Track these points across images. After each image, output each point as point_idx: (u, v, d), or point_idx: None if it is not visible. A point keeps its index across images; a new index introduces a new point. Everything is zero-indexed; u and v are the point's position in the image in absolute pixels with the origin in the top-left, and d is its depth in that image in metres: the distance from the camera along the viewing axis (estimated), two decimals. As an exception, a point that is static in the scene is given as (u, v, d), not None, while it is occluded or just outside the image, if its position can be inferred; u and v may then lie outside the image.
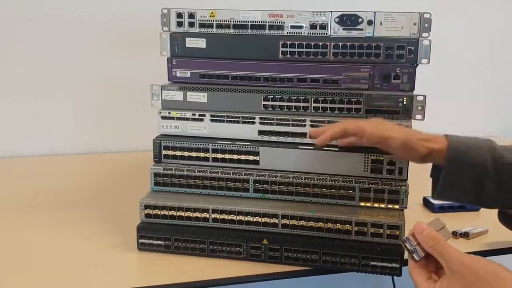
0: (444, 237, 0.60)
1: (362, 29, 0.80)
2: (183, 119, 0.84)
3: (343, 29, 0.80)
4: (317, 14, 0.80)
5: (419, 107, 0.78)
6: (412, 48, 0.78)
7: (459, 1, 1.53)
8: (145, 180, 0.85)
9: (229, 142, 0.82)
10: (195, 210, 0.81)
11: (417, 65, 0.79)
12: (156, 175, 0.84)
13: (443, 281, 0.57)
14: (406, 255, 0.62)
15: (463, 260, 0.56)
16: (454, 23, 1.51)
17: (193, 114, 0.84)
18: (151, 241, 0.81)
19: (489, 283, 0.54)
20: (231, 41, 0.83)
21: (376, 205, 0.79)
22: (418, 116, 0.79)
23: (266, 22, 0.81)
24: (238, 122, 0.83)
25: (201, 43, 0.83)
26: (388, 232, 0.76)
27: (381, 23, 0.79)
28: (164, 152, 0.84)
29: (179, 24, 0.83)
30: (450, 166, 0.72)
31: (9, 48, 1.29)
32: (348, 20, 0.80)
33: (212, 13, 0.82)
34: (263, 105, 0.83)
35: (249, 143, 0.82)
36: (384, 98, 0.79)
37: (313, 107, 0.81)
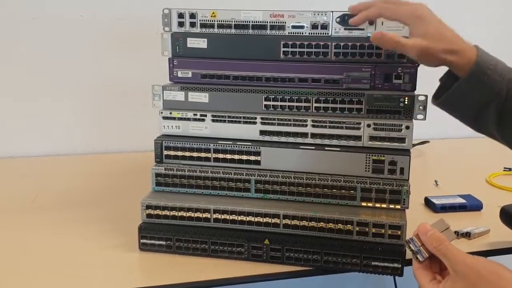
0: (448, 238, 0.60)
1: (363, 29, 0.80)
2: (185, 119, 0.84)
3: (345, 29, 0.80)
4: (318, 14, 0.80)
5: (420, 107, 0.78)
6: (414, 48, 0.78)
7: (461, 1, 1.53)
8: (146, 180, 0.85)
9: (231, 142, 0.82)
10: (197, 210, 0.81)
11: (418, 65, 0.79)
12: (157, 175, 0.84)
13: (446, 281, 0.57)
14: (410, 255, 0.62)
15: (466, 260, 0.57)
16: (454, 22, 1.51)
17: (195, 114, 0.84)
18: (152, 241, 0.81)
19: (492, 283, 0.55)
20: (233, 41, 0.83)
21: (377, 205, 0.79)
22: (420, 116, 0.79)
23: (267, 22, 0.81)
24: (239, 122, 0.83)
25: (202, 43, 0.83)
26: (389, 232, 0.76)
27: (382, 23, 0.79)
28: (165, 152, 0.84)
29: (181, 24, 0.83)
30: (468, 82, 0.70)
31: (10, 48, 1.29)
32: (350, 19, 0.79)
33: (213, 13, 0.82)
34: (265, 105, 0.83)
35: (250, 143, 0.82)
36: (385, 98, 0.79)
37: (315, 107, 0.81)
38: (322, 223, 0.78)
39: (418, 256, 0.61)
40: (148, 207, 0.82)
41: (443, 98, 0.73)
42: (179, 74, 0.85)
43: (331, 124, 0.80)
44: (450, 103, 0.73)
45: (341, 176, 0.80)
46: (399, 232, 0.76)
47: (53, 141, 1.36)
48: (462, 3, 1.53)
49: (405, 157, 0.78)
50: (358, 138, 0.80)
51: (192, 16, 0.83)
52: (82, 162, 1.33)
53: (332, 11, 0.80)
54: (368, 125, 0.79)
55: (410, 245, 0.62)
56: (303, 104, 0.81)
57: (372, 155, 0.79)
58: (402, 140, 0.78)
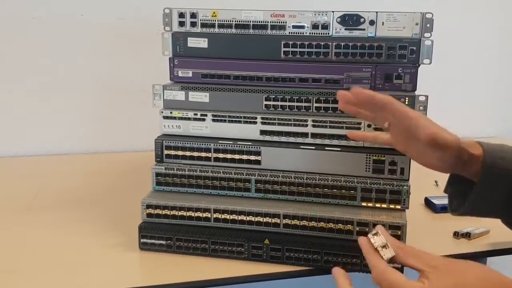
0: (386, 255, 0.57)
1: (364, 29, 0.80)
2: (185, 119, 0.84)
3: (345, 29, 0.80)
4: (319, 14, 0.80)
5: (421, 107, 0.78)
6: (414, 48, 0.78)
7: (461, 1, 1.53)
8: (146, 179, 0.85)
9: (231, 142, 0.82)
10: (197, 209, 0.81)
11: (419, 65, 0.79)
12: (158, 174, 0.84)
13: (426, 280, 0.54)
14: (371, 256, 0.58)
15: (438, 256, 0.56)
16: (455, 23, 1.51)
17: (195, 114, 0.84)
18: (152, 241, 0.81)
19: (470, 268, 0.54)
20: (233, 41, 0.83)
21: (377, 205, 0.79)
22: (420, 116, 0.78)
23: (268, 22, 0.81)
24: (240, 122, 0.83)
25: (203, 43, 0.83)
26: (390, 232, 0.76)
27: (383, 23, 0.79)
28: (166, 151, 0.84)
29: (181, 24, 0.83)
30: (488, 174, 0.64)
31: (10, 48, 1.29)
32: (350, 20, 0.80)
33: (214, 13, 0.82)
34: (265, 105, 0.83)
35: (250, 143, 0.82)
36: (386, 98, 0.79)
37: (315, 107, 0.81)
38: (322, 223, 0.78)
39: (386, 251, 0.57)
40: (149, 206, 0.82)
41: (471, 204, 0.67)
42: (180, 74, 0.85)
43: (332, 124, 0.80)
44: (480, 206, 0.68)
45: (341, 176, 0.80)
46: (399, 232, 0.76)
47: (53, 140, 1.36)
48: (461, 8, 1.53)
49: (406, 157, 0.78)
50: (358, 138, 0.80)
51: (193, 15, 0.83)
52: (82, 161, 1.33)
53: (332, 11, 0.80)
54: (369, 125, 0.79)
55: (377, 238, 0.58)
56: (303, 104, 0.81)
57: (372, 155, 0.79)
58: (402, 140, 0.78)
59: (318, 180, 0.80)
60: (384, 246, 0.58)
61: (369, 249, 0.59)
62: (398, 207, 0.79)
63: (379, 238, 0.58)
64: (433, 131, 0.64)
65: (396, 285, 0.54)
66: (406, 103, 0.78)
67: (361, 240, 0.60)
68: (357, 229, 0.77)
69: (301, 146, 0.81)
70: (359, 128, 0.79)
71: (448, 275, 0.53)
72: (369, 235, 0.60)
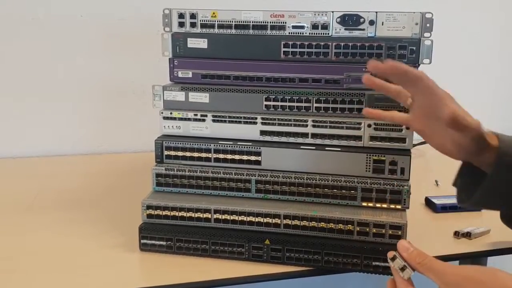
0: (405, 276, 0.59)
1: (363, 29, 0.80)
2: (185, 119, 0.84)
3: (345, 29, 0.80)
4: (318, 14, 0.80)
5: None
6: (414, 48, 0.78)
7: (461, 1, 1.53)
8: (147, 180, 0.85)
9: (231, 143, 0.82)
10: (197, 210, 0.81)
11: (418, 65, 0.79)
12: (158, 175, 0.84)
13: None
14: (395, 274, 0.60)
15: (455, 270, 0.55)
16: (455, 23, 1.51)
17: (195, 115, 0.84)
18: (153, 242, 0.81)
19: (487, 285, 0.53)
20: (233, 41, 0.83)
21: (378, 205, 0.79)
22: (420, 116, 0.78)
23: (267, 22, 0.81)
24: (240, 122, 0.83)
25: (202, 43, 0.83)
26: (390, 232, 0.76)
27: (382, 23, 0.79)
28: (166, 152, 0.84)
29: (181, 24, 0.83)
30: (502, 164, 0.64)
31: (10, 49, 1.29)
32: (350, 20, 0.80)
33: (213, 13, 0.82)
34: (265, 105, 0.83)
35: (251, 144, 0.82)
36: (386, 98, 0.79)
37: (315, 107, 0.81)
38: (323, 223, 0.78)
39: (404, 272, 0.59)
40: (149, 207, 0.82)
41: (480, 194, 0.67)
42: (180, 74, 0.85)
43: (332, 124, 0.80)
44: (489, 197, 0.68)
45: (341, 176, 0.80)
46: (399, 232, 0.76)
47: (53, 141, 1.36)
48: (461, 8, 1.53)
49: (406, 157, 0.78)
50: (358, 138, 0.80)
51: (193, 16, 0.83)
52: (82, 162, 1.33)
53: (332, 11, 0.80)
54: (369, 125, 0.79)
55: (395, 262, 0.60)
56: (303, 104, 0.81)
57: (372, 155, 0.79)
58: (402, 140, 0.79)
59: (319, 180, 0.80)
60: (402, 268, 0.59)
61: (393, 268, 0.61)
62: (399, 207, 0.79)
63: (396, 261, 0.60)
64: (457, 110, 0.65)
65: None
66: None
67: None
68: (358, 229, 0.77)
69: (301, 146, 0.81)
70: (359, 128, 0.79)
71: None
72: (389, 260, 0.61)
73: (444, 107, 0.66)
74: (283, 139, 0.82)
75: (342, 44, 0.80)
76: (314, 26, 0.80)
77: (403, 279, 0.59)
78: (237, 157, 0.82)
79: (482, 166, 0.69)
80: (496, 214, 0.82)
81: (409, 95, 0.71)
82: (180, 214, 0.81)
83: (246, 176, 0.82)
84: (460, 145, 0.67)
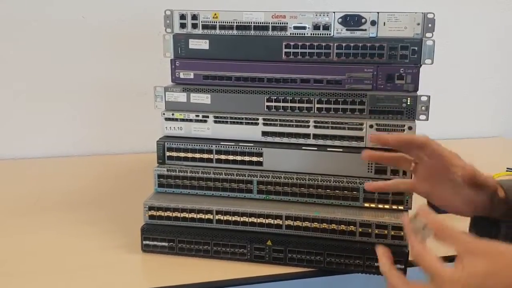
0: (424, 236, 0.58)
1: (365, 30, 0.79)
2: (187, 120, 0.84)
3: (346, 29, 0.80)
4: (320, 15, 0.80)
5: (423, 108, 0.78)
6: (416, 48, 0.78)
7: (462, 1, 1.53)
8: (148, 181, 0.85)
9: (233, 143, 0.82)
10: (199, 211, 0.81)
11: (420, 65, 0.79)
12: (159, 176, 0.84)
13: (460, 264, 0.53)
14: (410, 237, 0.58)
15: (477, 239, 0.53)
16: (457, 23, 1.51)
17: (197, 116, 0.84)
18: (155, 243, 0.81)
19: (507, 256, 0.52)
20: (234, 42, 0.83)
21: (380, 206, 0.79)
22: (422, 117, 0.78)
23: (269, 23, 0.81)
24: (241, 123, 0.83)
25: (204, 44, 0.83)
26: (392, 233, 0.76)
27: (384, 23, 0.79)
28: (167, 153, 0.84)
29: (182, 25, 0.83)
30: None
31: (12, 50, 1.30)
32: (352, 20, 0.80)
33: (215, 14, 0.82)
34: (267, 106, 0.83)
35: (252, 144, 0.82)
36: (387, 98, 0.79)
37: (317, 108, 0.81)
38: (325, 224, 0.77)
39: (424, 232, 0.57)
40: (151, 208, 0.82)
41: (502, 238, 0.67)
42: (181, 75, 0.85)
43: (334, 125, 0.80)
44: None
45: (343, 177, 0.79)
46: (402, 233, 0.75)
47: (55, 142, 1.36)
48: (462, 8, 1.53)
49: (408, 157, 0.78)
50: (360, 138, 0.79)
51: (194, 17, 0.83)
52: (84, 163, 1.33)
53: (334, 12, 0.80)
54: (371, 126, 0.79)
55: (416, 220, 0.58)
56: (305, 105, 0.81)
57: (374, 156, 0.79)
58: (404, 140, 0.78)
59: (320, 181, 0.80)
60: (423, 228, 0.58)
61: (409, 229, 0.59)
62: (401, 207, 0.79)
63: (417, 220, 0.58)
64: (473, 169, 0.66)
65: (433, 269, 0.54)
66: (408, 103, 0.78)
67: (403, 218, 0.61)
68: (360, 230, 0.77)
69: (303, 147, 0.81)
70: (361, 129, 0.79)
71: (481, 261, 0.52)
72: (410, 217, 0.60)
73: (456, 168, 0.67)
74: (285, 140, 0.82)
75: (343, 44, 0.80)
76: (316, 27, 0.80)
77: (418, 242, 0.57)
78: (238, 158, 0.82)
79: (492, 214, 0.69)
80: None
81: (411, 160, 0.72)
82: (182, 215, 0.81)
83: (248, 177, 0.81)
84: (473, 203, 0.68)
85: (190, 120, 0.84)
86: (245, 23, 0.82)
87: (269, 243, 0.79)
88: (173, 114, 0.84)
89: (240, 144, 0.82)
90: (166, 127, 0.85)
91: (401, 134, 0.70)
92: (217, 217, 0.80)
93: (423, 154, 0.70)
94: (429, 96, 0.78)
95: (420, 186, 0.73)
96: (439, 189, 0.70)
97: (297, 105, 0.82)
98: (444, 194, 0.70)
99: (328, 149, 0.80)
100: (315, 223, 0.78)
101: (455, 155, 0.69)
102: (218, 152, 0.82)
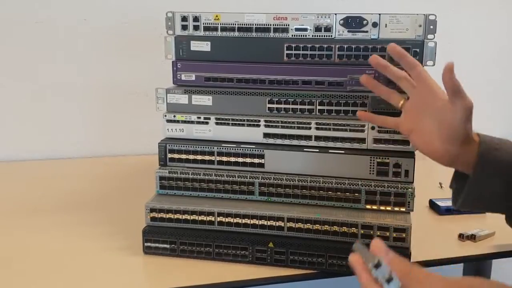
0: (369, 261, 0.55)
1: (367, 31, 0.79)
2: (188, 122, 0.84)
3: (348, 31, 0.80)
4: (321, 17, 0.80)
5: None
6: (417, 50, 0.78)
7: (463, 2, 1.52)
8: (150, 183, 0.85)
9: (234, 145, 0.82)
10: (201, 213, 0.81)
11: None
12: (161, 178, 0.84)
13: None
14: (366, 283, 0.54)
15: (441, 279, 0.55)
16: (459, 24, 1.51)
17: (198, 117, 0.84)
18: (156, 245, 0.81)
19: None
20: (236, 44, 0.83)
21: (382, 207, 0.79)
22: (424, 118, 0.78)
23: (270, 24, 0.81)
24: (243, 125, 0.83)
25: (206, 46, 0.83)
26: (394, 235, 0.76)
27: (386, 25, 0.79)
28: (169, 155, 0.84)
29: (184, 27, 0.83)
30: (481, 165, 0.66)
31: (14, 51, 1.30)
32: (353, 22, 0.79)
33: (216, 16, 0.82)
34: (268, 107, 0.83)
35: (254, 146, 0.82)
36: (389, 100, 0.79)
37: (318, 109, 0.81)
38: (327, 226, 0.77)
39: (391, 284, 0.52)
40: (152, 210, 0.82)
41: (465, 196, 0.69)
42: (183, 77, 0.85)
43: (335, 127, 0.80)
44: (474, 199, 0.69)
45: (345, 178, 0.79)
46: (404, 235, 0.75)
47: (57, 144, 1.36)
48: (463, 9, 1.53)
49: (410, 159, 0.78)
50: (362, 140, 0.79)
51: (196, 19, 0.83)
52: (86, 165, 1.33)
53: (335, 14, 0.80)
54: (372, 128, 0.79)
55: (380, 270, 0.53)
56: (306, 107, 0.81)
57: (376, 158, 0.78)
58: (406, 142, 0.78)
59: (322, 183, 0.80)
60: (388, 280, 0.53)
61: (362, 269, 0.57)
62: (403, 209, 0.78)
63: (381, 269, 0.54)
64: (458, 83, 0.67)
65: None
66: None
67: (352, 258, 0.58)
68: (362, 232, 0.76)
69: (305, 149, 0.81)
70: (362, 131, 0.79)
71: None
72: (370, 266, 0.55)
73: (439, 89, 0.70)
74: (287, 141, 0.82)
75: (345, 46, 0.80)
76: (317, 29, 0.80)
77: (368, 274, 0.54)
78: (240, 159, 0.82)
79: (465, 169, 0.70)
80: (501, 217, 0.81)
81: (401, 98, 0.74)
82: (184, 217, 0.81)
83: (250, 178, 0.81)
84: (451, 143, 0.68)
85: (192, 122, 0.84)
86: (246, 24, 0.82)
87: (270, 245, 0.79)
88: (174, 116, 0.84)
89: (242, 146, 0.82)
90: (168, 129, 0.85)
91: (398, 47, 0.73)
92: (218, 219, 0.80)
93: (412, 78, 0.72)
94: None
95: (405, 123, 0.73)
96: (421, 125, 0.71)
97: (298, 106, 0.82)
98: (426, 130, 0.70)
99: (330, 151, 0.80)
100: (316, 225, 0.78)
101: (437, 85, 0.71)
102: (220, 154, 0.82)
